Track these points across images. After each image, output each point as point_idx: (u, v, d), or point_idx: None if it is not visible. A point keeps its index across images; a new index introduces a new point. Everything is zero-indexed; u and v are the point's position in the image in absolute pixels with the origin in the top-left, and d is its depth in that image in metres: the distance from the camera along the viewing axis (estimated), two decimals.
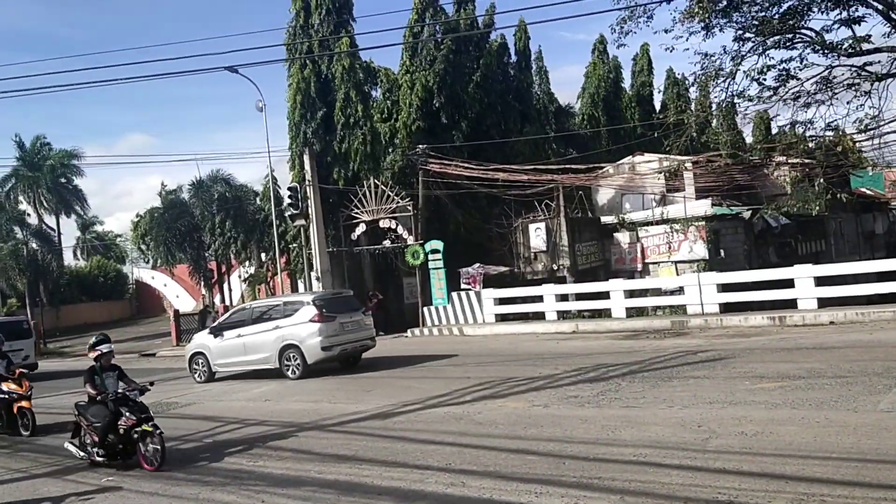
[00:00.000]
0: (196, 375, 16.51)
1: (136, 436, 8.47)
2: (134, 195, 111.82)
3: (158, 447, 8.35)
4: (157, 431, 8.38)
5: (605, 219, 26.23)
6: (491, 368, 13.69)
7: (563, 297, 21.13)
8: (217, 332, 16.35)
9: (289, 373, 15.11)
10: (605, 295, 20.17)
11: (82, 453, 9.07)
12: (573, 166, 24.97)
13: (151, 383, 9.36)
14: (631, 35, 16.53)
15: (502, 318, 21.77)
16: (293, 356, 15.06)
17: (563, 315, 20.69)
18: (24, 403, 11.85)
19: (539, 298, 21.27)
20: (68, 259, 55.11)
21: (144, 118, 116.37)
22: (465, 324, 22.05)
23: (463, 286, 22.94)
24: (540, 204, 24.48)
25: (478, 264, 23.25)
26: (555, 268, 23.73)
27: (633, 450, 6.93)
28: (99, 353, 9.09)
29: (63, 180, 49.71)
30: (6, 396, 11.97)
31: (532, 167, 23.69)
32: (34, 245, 46.91)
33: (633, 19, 16.02)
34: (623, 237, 25.17)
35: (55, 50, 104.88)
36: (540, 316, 21.09)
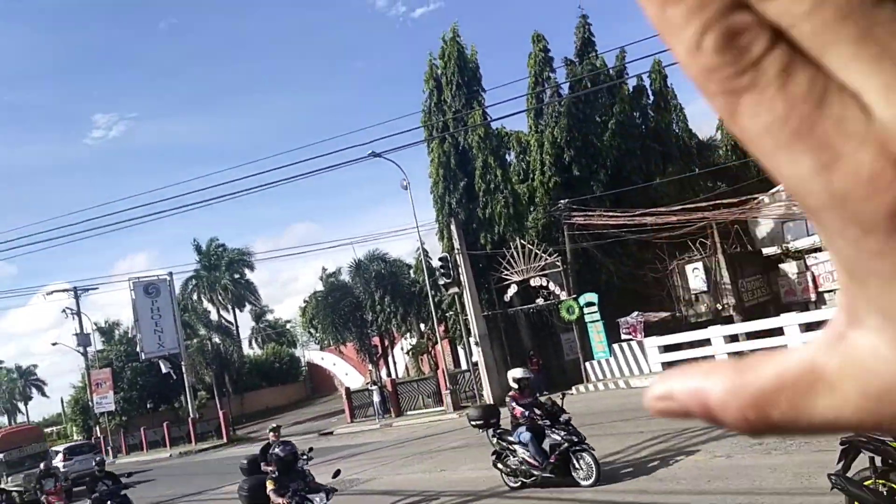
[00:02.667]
0: None
1: None
2: (300, 280, 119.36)
3: None
4: None
5: (767, 251, 24.82)
6: (664, 421, 13.18)
7: (733, 338, 20.06)
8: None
9: None
10: (778, 331, 18.93)
11: None
12: (724, 201, 23.98)
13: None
14: None
15: (669, 365, 20.95)
16: None
17: (734, 357, 19.59)
18: None
19: (706, 342, 20.34)
20: (246, 348, 59.38)
21: (305, 207, 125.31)
22: (631, 375, 21.42)
23: (623, 337, 22.38)
24: (694, 243, 23.64)
25: (636, 312, 22.65)
26: (719, 307, 22.63)
27: (833, 498, 6.45)
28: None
29: (237, 276, 54.03)
30: None
31: (680, 207, 23.00)
32: (216, 339, 50.98)
33: None
34: (790, 268, 23.66)
35: (218, 161, 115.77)
36: (710, 360, 20.07)
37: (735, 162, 31.54)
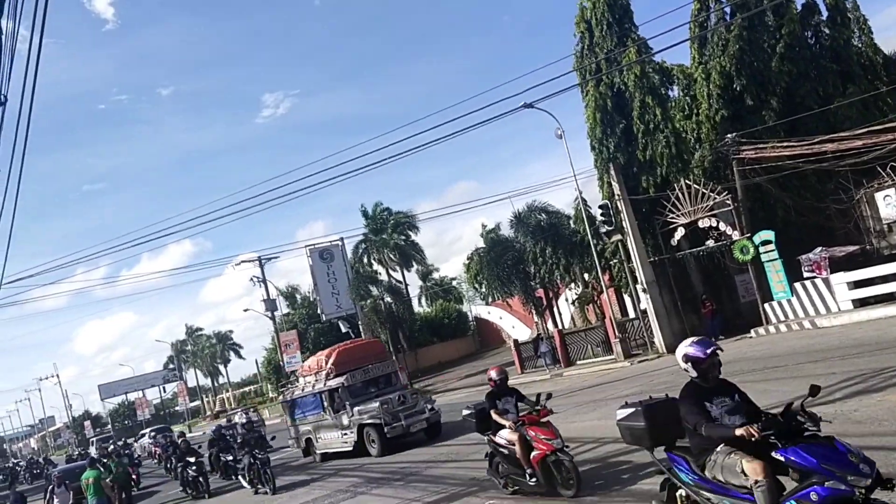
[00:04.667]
0: None
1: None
2: (463, 239, 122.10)
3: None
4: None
5: None
6: (858, 360, 12.29)
7: None
8: None
9: None
10: None
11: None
12: None
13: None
14: None
15: (861, 303, 19.36)
16: None
17: None
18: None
19: None
20: (415, 306, 61.62)
21: (463, 166, 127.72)
22: (817, 315, 20.05)
23: (806, 275, 20.95)
24: (884, 168, 21.46)
25: (819, 248, 21.06)
26: None
27: None
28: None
29: (403, 237, 56.01)
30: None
31: (866, 130, 20.91)
32: (388, 299, 53.40)
33: None
34: None
35: (375, 128, 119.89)
36: None
37: None
